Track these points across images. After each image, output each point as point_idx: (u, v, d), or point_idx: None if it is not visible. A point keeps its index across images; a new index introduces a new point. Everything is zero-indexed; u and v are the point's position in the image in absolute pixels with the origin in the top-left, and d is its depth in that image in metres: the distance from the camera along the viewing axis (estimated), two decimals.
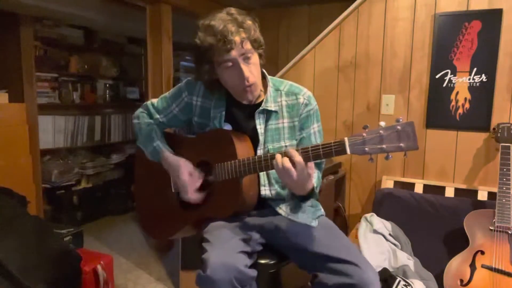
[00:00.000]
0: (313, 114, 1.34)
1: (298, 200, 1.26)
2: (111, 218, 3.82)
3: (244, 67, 1.18)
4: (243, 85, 1.21)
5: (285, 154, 1.09)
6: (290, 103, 1.32)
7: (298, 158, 1.05)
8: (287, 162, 1.06)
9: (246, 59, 1.19)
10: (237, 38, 1.14)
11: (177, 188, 1.34)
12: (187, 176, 1.27)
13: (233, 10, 1.20)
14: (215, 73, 1.24)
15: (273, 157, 1.13)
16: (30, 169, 2.91)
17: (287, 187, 1.18)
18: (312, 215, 1.32)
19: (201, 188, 1.30)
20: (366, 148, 0.99)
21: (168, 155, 1.34)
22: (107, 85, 4.14)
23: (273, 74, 1.44)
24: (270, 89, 1.32)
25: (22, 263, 1.75)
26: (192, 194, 1.28)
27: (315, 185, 1.21)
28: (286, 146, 1.31)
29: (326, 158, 1.09)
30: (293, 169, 1.06)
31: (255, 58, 1.22)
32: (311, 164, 1.08)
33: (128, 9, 3.10)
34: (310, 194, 1.19)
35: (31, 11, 2.86)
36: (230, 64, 1.18)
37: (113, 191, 3.92)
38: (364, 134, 0.99)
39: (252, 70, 1.21)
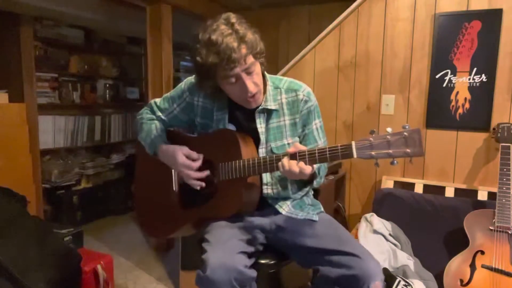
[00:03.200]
0: (314, 110, 1.34)
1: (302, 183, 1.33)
2: (111, 218, 3.82)
3: (248, 81, 1.18)
4: (246, 97, 1.22)
5: (289, 157, 1.12)
6: (290, 100, 1.32)
7: (295, 166, 1.11)
8: (294, 166, 1.10)
9: (249, 72, 1.18)
10: (239, 55, 1.12)
11: (178, 180, 1.34)
12: (184, 158, 1.27)
13: (232, 18, 1.16)
14: (218, 86, 1.24)
15: (278, 159, 1.14)
16: (30, 169, 2.91)
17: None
18: (312, 211, 1.33)
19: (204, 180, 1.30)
20: (373, 153, 1.01)
21: (164, 145, 1.34)
22: (107, 85, 4.14)
23: (273, 74, 1.44)
24: (269, 88, 1.32)
25: (22, 263, 1.75)
26: (195, 174, 1.26)
27: (315, 170, 1.23)
28: (289, 143, 1.31)
29: (333, 161, 1.11)
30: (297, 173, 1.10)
31: (257, 68, 1.21)
32: (303, 166, 1.10)
33: (128, 9, 3.09)
34: (312, 177, 1.26)
35: (31, 11, 2.86)
36: (233, 80, 1.18)
37: (113, 191, 3.92)
38: (371, 139, 1.01)
39: (255, 80, 1.21)
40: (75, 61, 3.71)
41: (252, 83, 1.19)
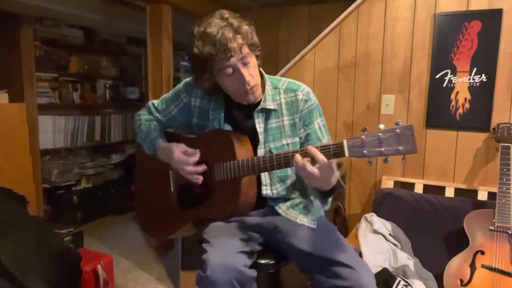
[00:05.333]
0: (314, 109, 1.33)
1: (322, 195, 1.18)
2: (111, 218, 3.82)
3: (244, 71, 1.18)
4: (244, 89, 1.21)
5: (305, 154, 1.04)
6: (289, 100, 1.31)
7: (320, 156, 1.01)
8: (307, 163, 1.02)
9: (245, 63, 1.18)
10: (235, 45, 1.13)
11: (175, 181, 1.34)
12: (181, 154, 1.26)
13: (226, 14, 1.18)
14: (215, 80, 1.23)
15: (272, 158, 1.12)
16: (30, 169, 2.91)
17: (311, 185, 1.11)
18: (312, 216, 1.32)
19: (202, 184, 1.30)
20: (364, 151, 0.98)
21: (162, 142, 1.34)
22: (107, 85, 4.14)
23: (273, 74, 1.44)
24: (268, 87, 1.32)
25: (22, 263, 1.75)
26: (192, 168, 1.25)
27: (338, 176, 1.14)
28: (288, 144, 1.31)
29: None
30: (315, 169, 1.01)
31: (253, 61, 1.22)
32: (334, 159, 1.02)
33: (128, 9, 3.10)
34: (336, 187, 1.14)
35: (31, 11, 2.86)
36: (230, 71, 1.18)
37: (113, 191, 3.92)
38: (363, 137, 0.98)
39: (252, 72, 1.20)
40: (75, 61, 3.72)
41: (249, 75, 1.19)
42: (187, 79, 1.38)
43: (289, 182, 1.34)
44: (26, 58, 2.96)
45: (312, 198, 1.38)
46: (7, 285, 1.67)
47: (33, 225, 1.97)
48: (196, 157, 1.26)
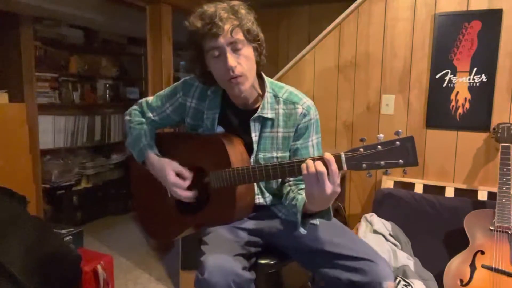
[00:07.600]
0: (312, 125, 1.26)
1: (308, 217, 1.12)
2: (111, 218, 3.82)
3: (230, 56, 1.10)
4: (228, 76, 1.12)
5: (318, 158, 0.97)
6: (287, 112, 1.24)
7: (334, 166, 0.95)
8: (321, 166, 0.95)
9: (236, 49, 1.12)
10: (226, 26, 1.08)
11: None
12: (174, 176, 1.22)
13: (235, 1, 1.14)
14: (205, 62, 1.18)
15: (268, 168, 1.07)
16: (30, 169, 2.91)
17: (308, 199, 1.03)
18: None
19: (194, 188, 1.28)
20: (363, 165, 0.94)
21: (152, 156, 1.29)
22: (107, 85, 4.14)
23: (273, 74, 1.43)
24: (268, 94, 1.25)
25: (22, 263, 1.75)
26: (184, 193, 1.23)
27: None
28: (277, 157, 1.25)
29: None
30: (326, 177, 0.95)
31: (247, 51, 1.15)
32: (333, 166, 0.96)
33: (128, 9, 3.10)
34: (325, 212, 1.09)
35: (31, 11, 2.86)
36: (217, 53, 1.12)
37: (113, 191, 3.92)
38: (361, 149, 0.94)
39: (241, 61, 1.12)
40: (75, 61, 3.72)
41: (236, 61, 1.11)
42: (186, 78, 1.34)
43: (277, 191, 1.32)
44: (26, 58, 2.96)
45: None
46: (7, 285, 1.67)
47: (33, 225, 1.97)
48: (189, 181, 1.24)
